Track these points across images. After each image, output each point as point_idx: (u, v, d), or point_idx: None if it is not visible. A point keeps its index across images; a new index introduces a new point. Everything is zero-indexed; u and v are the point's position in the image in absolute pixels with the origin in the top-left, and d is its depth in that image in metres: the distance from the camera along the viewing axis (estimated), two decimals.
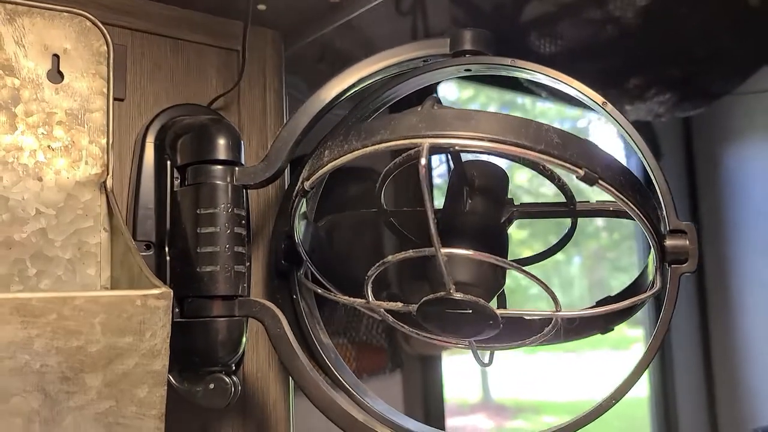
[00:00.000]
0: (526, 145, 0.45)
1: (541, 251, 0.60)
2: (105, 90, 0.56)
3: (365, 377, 1.25)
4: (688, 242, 0.49)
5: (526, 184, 1.93)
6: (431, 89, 0.57)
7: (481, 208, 0.54)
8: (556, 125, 0.47)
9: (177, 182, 0.56)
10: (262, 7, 0.63)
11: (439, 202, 0.56)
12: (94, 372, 0.43)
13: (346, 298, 0.54)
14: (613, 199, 0.47)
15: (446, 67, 0.55)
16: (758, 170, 1.76)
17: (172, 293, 0.43)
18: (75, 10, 0.55)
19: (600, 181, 0.46)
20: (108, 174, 0.55)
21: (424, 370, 1.38)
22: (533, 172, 0.48)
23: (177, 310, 0.54)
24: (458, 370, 1.86)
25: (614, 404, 0.50)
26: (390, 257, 0.49)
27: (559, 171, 0.48)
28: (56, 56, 0.55)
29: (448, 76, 0.57)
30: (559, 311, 0.49)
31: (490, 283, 0.51)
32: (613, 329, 0.56)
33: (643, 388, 1.83)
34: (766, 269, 1.70)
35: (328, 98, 0.56)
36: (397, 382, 1.33)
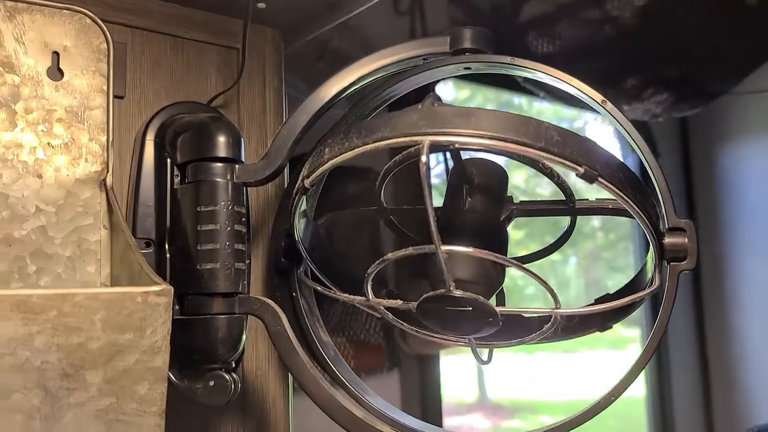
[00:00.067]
0: (526, 142, 0.45)
1: (539, 249, 0.60)
2: (105, 87, 0.56)
3: (363, 376, 1.24)
4: (687, 240, 0.49)
5: (522, 185, 1.93)
6: (430, 88, 0.57)
7: (481, 206, 0.54)
8: None
9: (177, 180, 0.56)
10: (262, 5, 0.63)
11: (437, 201, 0.56)
12: (95, 369, 0.43)
13: (346, 295, 0.54)
14: (613, 197, 0.47)
15: (446, 65, 0.55)
16: (754, 170, 1.76)
17: (172, 290, 0.43)
18: (75, 7, 0.55)
19: (599, 179, 0.46)
20: (108, 171, 0.55)
21: (421, 369, 1.38)
22: (530, 172, 0.48)
23: (177, 307, 0.54)
24: (455, 370, 1.86)
25: (613, 401, 0.50)
26: (390, 255, 0.49)
27: (558, 168, 0.49)
28: (56, 53, 0.54)
29: (448, 74, 0.57)
30: (559, 308, 0.49)
31: (490, 281, 0.51)
32: (611, 327, 0.56)
33: (639, 388, 1.83)
34: (761, 269, 1.71)
35: (327, 96, 0.56)
36: (395, 381, 1.33)
